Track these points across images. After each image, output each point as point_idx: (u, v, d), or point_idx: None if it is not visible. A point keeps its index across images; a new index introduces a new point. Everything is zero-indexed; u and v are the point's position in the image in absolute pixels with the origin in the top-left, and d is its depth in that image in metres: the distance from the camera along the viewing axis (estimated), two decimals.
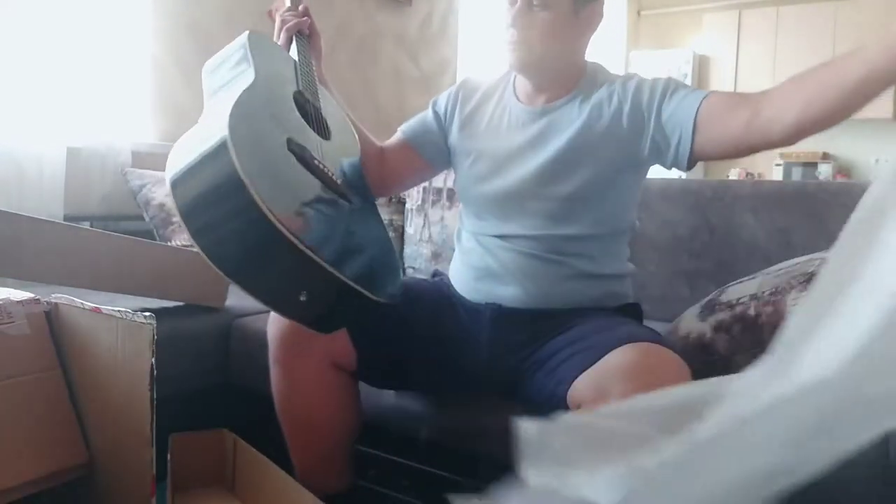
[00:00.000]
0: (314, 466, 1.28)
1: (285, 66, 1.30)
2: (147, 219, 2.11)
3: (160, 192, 2.13)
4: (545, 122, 1.26)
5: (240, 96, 1.04)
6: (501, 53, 1.27)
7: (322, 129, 1.24)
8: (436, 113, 1.40)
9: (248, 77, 1.14)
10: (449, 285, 1.35)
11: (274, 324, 1.23)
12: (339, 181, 1.14)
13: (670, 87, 1.17)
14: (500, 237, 1.26)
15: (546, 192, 1.23)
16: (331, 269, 0.94)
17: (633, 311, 1.28)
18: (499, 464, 1.21)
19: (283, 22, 1.37)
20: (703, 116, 1.10)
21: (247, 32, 1.26)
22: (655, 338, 1.06)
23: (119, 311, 1.18)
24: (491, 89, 1.37)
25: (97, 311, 1.21)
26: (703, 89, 1.16)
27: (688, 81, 5.94)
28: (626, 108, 1.20)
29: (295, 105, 1.21)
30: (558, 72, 1.26)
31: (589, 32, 1.27)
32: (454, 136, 1.37)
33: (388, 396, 1.37)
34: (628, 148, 1.20)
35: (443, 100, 1.41)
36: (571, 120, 1.24)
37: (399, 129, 1.44)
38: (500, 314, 1.23)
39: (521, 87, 1.32)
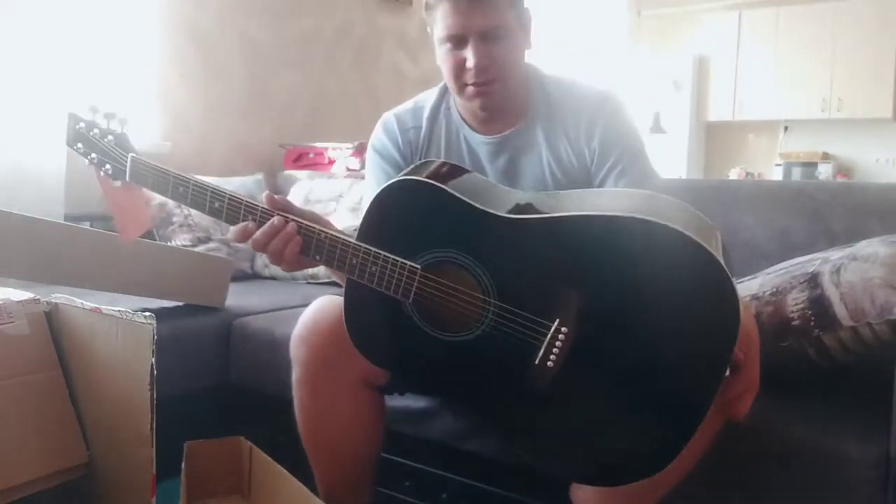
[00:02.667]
0: (338, 483, 1.24)
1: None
2: None
3: None
4: (511, 153, 1.20)
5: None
6: (463, 97, 1.14)
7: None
8: (394, 165, 1.25)
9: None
10: None
11: (303, 343, 1.15)
12: None
13: (622, 163, 1.14)
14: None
15: None
16: None
17: None
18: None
19: (277, 252, 1.00)
20: None
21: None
22: None
23: (119, 311, 1.18)
24: (431, 119, 1.25)
25: (97, 311, 1.21)
26: (654, 179, 1.15)
27: (688, 82, 5.96)
28: (584, 159, 1.17)
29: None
30: (515, 94, 1.18)
31: (530, 39, 1.18)
32: None
33: (401, 398, 1.36)
34: (585, 181, 1.18)
35: (389, 146, 1.26)
36: (536, 149, 1.18)
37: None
38: None
39: (468, 111, 1.21)
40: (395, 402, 1.36)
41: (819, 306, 1.11)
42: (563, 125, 1.17)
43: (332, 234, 1.00)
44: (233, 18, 2.73)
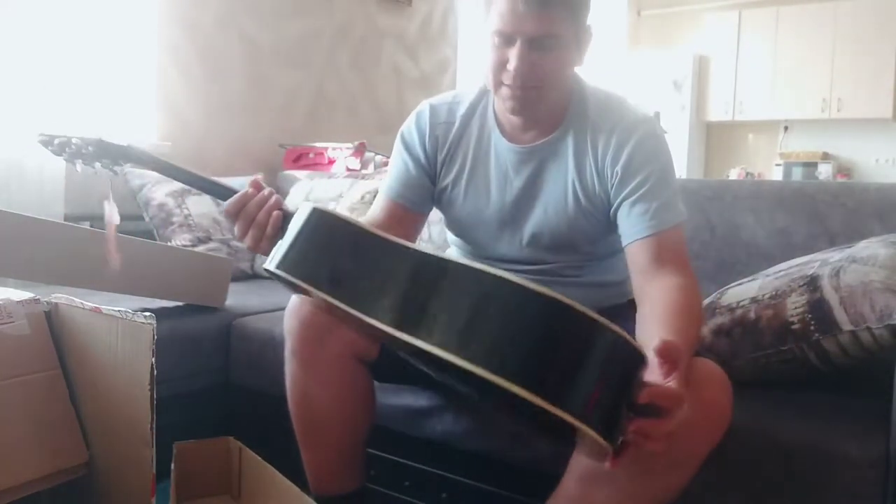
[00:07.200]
0: (327, 466, 1.23)
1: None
2: (147, 219, 2.11)
3: (160, 192, 2.13)
4: (537, 164, 1.20)
5: None
6: (498, 95, 1.14)
7: None
8: (415, 160, 1.26)
9: None
10: None
11: (294, 315, 1.15)
12: None
13: (639, 191, 1.11)
14: (500, 261, 1.23)
15: (544, 238, 1.21)
16: None
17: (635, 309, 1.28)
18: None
19: (262, 224, 1.00)
20: (628, 249, 1.12)
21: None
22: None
23: (119, 311, 1.18)
24: (466, 117, 1.24)
25: (97, 311, 1.21)
26: (672, 212, 1.11)
27: (688, 82, 5.96)
28: (605, 182, 1.16)
29: None
30: (553, 104, 1.18)
31: (583, 56, 1.16)
32: (440, 177, 1.26)
33: (401, 396, 1.36)
34: (605, 203, 1.18)
35: (415, 139, 1.26)
36: (563, 163, 1.18)
37: (382, 191, 1.28)
38: None
39: (506, 118, 1.21)
40: (396, 401, 1.36)
41: (819, 310, 1.11)
42: (592, 142, 1.16)
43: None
44: (233, 18, 2.73)
